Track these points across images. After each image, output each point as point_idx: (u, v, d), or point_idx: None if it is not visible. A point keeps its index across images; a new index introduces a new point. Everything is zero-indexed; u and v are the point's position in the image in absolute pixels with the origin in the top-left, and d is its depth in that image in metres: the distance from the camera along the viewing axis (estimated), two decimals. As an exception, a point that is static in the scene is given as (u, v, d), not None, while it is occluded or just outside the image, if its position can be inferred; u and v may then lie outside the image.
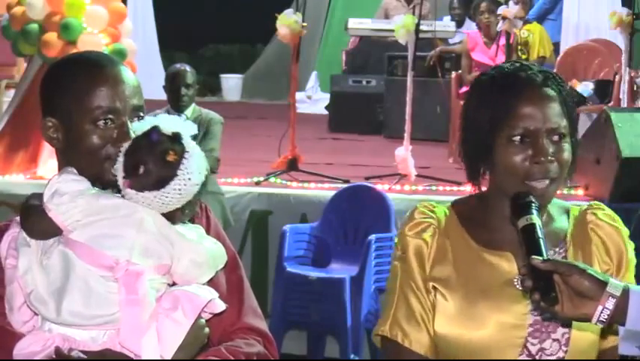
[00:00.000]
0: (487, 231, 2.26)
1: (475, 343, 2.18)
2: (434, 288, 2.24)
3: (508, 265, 2.22)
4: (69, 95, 2.20)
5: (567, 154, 2.18)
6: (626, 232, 2.32)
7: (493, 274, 2.22)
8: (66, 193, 2.10)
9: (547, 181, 2.16)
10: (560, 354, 2.20)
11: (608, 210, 2.33)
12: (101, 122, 2.17)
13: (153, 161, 2.09)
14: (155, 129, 2.12)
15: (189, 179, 2.09)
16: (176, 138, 2.11)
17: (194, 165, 2.10)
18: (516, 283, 2.20)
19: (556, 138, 2.17)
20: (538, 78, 2.19)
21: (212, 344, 2.21)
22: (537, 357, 2.19)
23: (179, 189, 2.09)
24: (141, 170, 2.09)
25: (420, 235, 2.29)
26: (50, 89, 2.25)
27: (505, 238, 2.24)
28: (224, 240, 2.32)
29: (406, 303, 2.25)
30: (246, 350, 2.22)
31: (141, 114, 2.22)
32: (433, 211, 2.32)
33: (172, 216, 2.14)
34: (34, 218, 2.11)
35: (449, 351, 2.22)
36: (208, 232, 2.29)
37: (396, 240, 2.34)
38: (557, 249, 2.25)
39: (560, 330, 2.20)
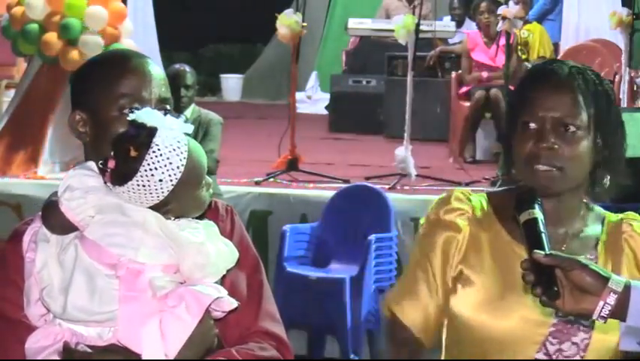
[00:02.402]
0: (517, 224, 2.25)
1: (497, 333, 2.20)
2: (461, 272, 2.26)
3: None
4: (96, 87, 2.22)
5: (577, 149, 2.19)
6: None
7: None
8: (77, 188, 2.10)
9: (548, 167, 2.17)
10: (577, 358, 2.21)
11: None
12: (127, 111, 2.17)
13: (119, 155, 2.08)
14: (131, 123, 2.10)
15: (152, 175, 2.06)
16: (149, 132, 2.08)
17: (159, 161, 2.07)
18: None
19: (562, 129, 2.19)
20: (563, 71, 2.23)
21: (229, 346, 2.20)
22: (554, 357, 2.21)
23: (143, 185, 2.06)
24: (112, 164, 2.09)
25: (454, 220, 2.30)
26: (79, 83, 2.28)
27: None
28: (248, 245, 2.32)
29: (414, 280, 2.30)
30: (258, 353, 2.21)
31: (167, 107, 2.23)
32: (469, 199, 2.33)
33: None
34: (53, 213, 2.12)
35: (469, 339, 2.24)
36: (232, 235, 2.28)
37: (426, 219, 2.35)
38: (588, 255, 2.25)
39: (581, 335, 2.21)
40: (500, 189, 2.39)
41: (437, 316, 2.29)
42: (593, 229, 2.30)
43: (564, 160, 2.18)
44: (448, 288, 2.27)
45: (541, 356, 2.21)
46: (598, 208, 2.34)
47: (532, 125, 2.20)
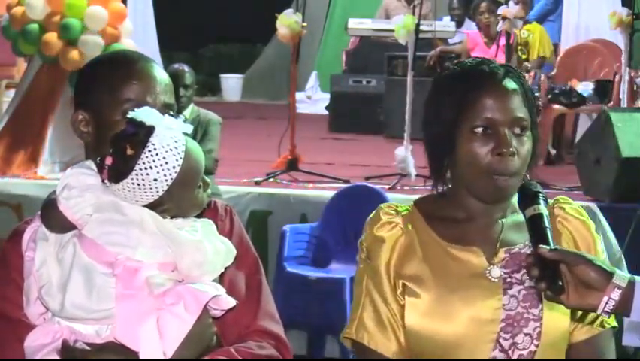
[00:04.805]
0: (452, 227, 2.26)
1: (448, 338, 2.18)
2: (404, 285, 2.24)
3: (477, 260, 2.23)
4: (101, 88, 2.22)
5: (527, 147, 2.21)
6: (592, 225, 2.33)
7: (463, 270, 2.22)
8: (75, 187, 2.11)
9: (506, 177, 2.17)
10: (532, 348, 2.20)
11: (575, 204, 2.34)
12: None
13: (116, 153, 2.09)
14: (130, 121, 2.11)
15: (147, 174, 2.06)
16: (146, 131, 2.08)
17: (155, 161, 2.07)
18: (487, 275, 2.21)
19: (517, 130, 2.19)
20: (500, 71, 2.23)
21: (228, 345, 2.21)
22: (509, 352, 2.19)
23: (138, 184, 2.07)
24: (109, 161, 2.09)
25: (387, 235, 2.28)
26: (83, 83, 2.28)
27: (471, 232, 2.25)
28: (247, 245, 2.32)
29: (372, 305, 2.25)
30: (257, 352, 2.22)
31: (171, 112, 2.22)
32: (397, 211, 2.32)
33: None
34: (51, 212, 2.12)
35: (423, 348, 2.21)
36: (231, 234, 2.28)
37: (361, 241, 2.33)
38: (526, 242, 2.23)
39: (532, 324, 2.20)
40: (426, 195, 2.37)
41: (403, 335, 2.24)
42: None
43: (520, 163, 2.19)
44: (401, 305, 2.24)
45: (497, 353, 2.19)
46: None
47: (485, 129, 2.18)
